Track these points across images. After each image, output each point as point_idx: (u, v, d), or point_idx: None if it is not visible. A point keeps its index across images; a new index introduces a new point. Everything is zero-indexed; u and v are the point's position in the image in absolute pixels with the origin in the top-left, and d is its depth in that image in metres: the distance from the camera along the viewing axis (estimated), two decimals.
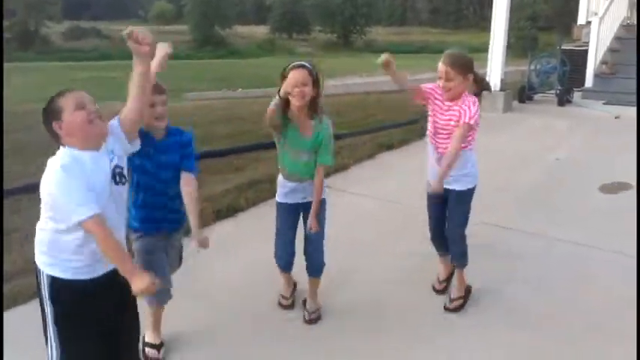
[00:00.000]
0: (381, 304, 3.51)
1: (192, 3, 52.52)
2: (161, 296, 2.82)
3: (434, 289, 3.61)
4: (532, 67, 11.06)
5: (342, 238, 4.41)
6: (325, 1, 53.29)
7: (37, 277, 2.23)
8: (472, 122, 3.05)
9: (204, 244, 2.75)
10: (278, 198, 3.24)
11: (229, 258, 4.05)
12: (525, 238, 4.52)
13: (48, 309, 2.20)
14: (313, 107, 2.97)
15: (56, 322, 2.19)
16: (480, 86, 3.27)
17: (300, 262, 3.31)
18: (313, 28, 57.43)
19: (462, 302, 3.42)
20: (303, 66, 2.91)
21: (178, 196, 2.80)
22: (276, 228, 3.27)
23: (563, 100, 10.52)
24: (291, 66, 2.91)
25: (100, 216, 2.04)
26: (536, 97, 11.04)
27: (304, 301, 3.39)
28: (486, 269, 3.89)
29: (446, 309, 3.39)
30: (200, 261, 3.84)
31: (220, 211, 4.83)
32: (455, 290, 3.46)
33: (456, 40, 50.47)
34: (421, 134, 8.00)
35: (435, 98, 3.17)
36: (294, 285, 3.48)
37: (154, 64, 2.55)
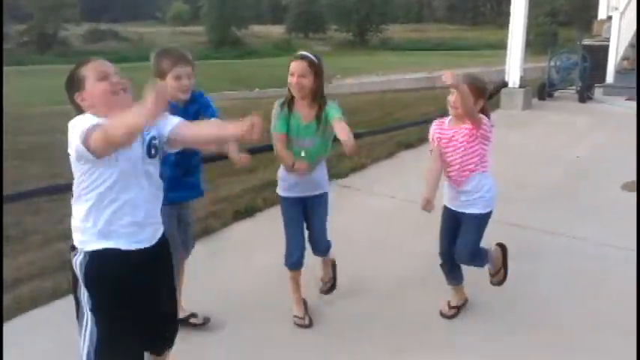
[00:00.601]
0: (396, 305, 3.47)
1: (208, 4, 52.85)
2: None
3: (442, 314, 3.35)
4: (552, 63, 10.92)
5: (359, 237, 4.39)
6: (341, 0, 53.23)
7: (72, 266, 2.09)
8: (485, 121, 2.98)
9: (244, 158, 2.73)
10: (280, 192, 3.18)
11: (247, 258, 4.04)
12: (545, 236, 4.44)
13: (84, 296, 2.07)
14: (315, 99, 2.95)
15: (93, 308, 2.06)
16: (486, 114, 3.11)
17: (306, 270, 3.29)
18: (329, 27, 57.45)
19: (455, 311, 3.35)
20: (302, 57, 2.91)
21: (197, 168, 2.86)
22: (284, 222, 3.21)
23: (584, 96, 10.37)
24: (292, 57, 2.94)
25: (98, 125, 1.85)
26: (557, 93, 10.90)
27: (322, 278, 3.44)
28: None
29: (442, 314, 3.33)
30: (218, 260, 3.85)
31: (238, 211, 4.83)
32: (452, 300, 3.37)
33: (474, 36, 50.16)
34: None
35: (441, 132, 3.13)
36: (305, 303, 3.32)
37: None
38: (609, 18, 12.39)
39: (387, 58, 37.39)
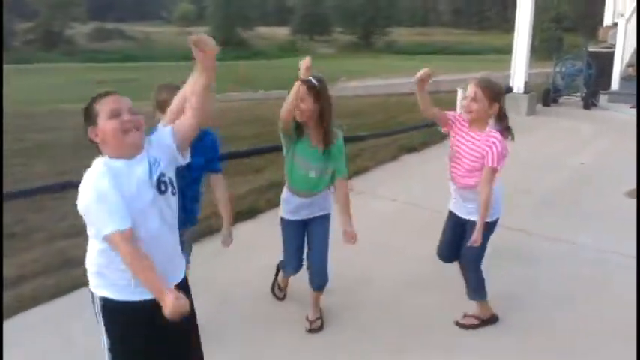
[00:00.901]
0: (400, 308, 3.47)
1: (214, 4, 52.95)
2: None
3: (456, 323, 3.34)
4: (557, 69, 10.91)
5: (362, 241, 4.36)
6: (346, 2, 53.29)
7: (92, 302, 2.10)
8: (498, 167, 2.91)
9: (226, 242, 2.98)
10: (283, 214, 3.16)
11: (248, 259, 4.04)
12: (547, 242, 4.44)
13: (103, 336, 2.07)
14: (320, 120, 2.90)
15: (110, 348, 2.08)
16: (503, 123, 3.02)
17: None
18: (334, 29, 57.46)
19: (476, 322, 3.25)
20: (302, 81, 2.80)
21: (196, 198, 2.86)
22: (283, 245, 3.22)
23: (589, 103, 10.35)
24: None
25: (126, 231, 1.88)
26: (561, 100, 10.88)
27: (307, 316, 3.32)
28: (507, 274, 3.84)
29: (456, 323, 3.26)
30: (220, 261, 3.86)
31: (241, 212, 4.84)
32: (474, 309, 3.28)
33: (479, 41, 50.10)
34: (443, 137, 7.94)
35: (461, 124, 3.04)
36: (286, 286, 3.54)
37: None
38: (615, 24, 12.37)
39: (392, 61, 37.37)
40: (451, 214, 3.23)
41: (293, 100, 2.79)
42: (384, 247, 4.32)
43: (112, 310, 2.05)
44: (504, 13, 53.70)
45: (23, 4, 48.07)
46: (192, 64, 2.38)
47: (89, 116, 2.00)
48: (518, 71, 9.88)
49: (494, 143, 2.90)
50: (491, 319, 3.28)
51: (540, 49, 25.40)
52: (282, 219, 3.18)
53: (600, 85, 10.98)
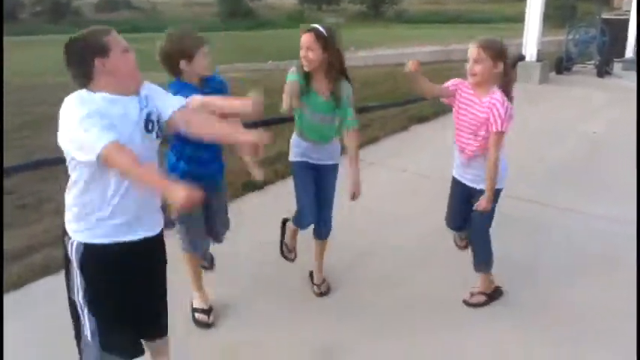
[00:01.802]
0: (408, 282, 3.47)
1: None
2: (191, 247, 2.95)
3: (457, 245, 3.53)
4: (570, 37, 10.70)
5: (370, 210, 4.37)
6: None
7: (65, 249, 2.14)
8: (505, 129, 2.81)
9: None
10: (292, 157, 3.15)
11: (257, 231, 4.04)
12: (558, 213, 4.41)
13: (77, 280, 2.11)
14: (329, 73, 2.89)
15: (85, 294, 2.11)
16: (507, 81, 2.90)
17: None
18: None
19: (484, 299, 3.22)
20: (310, 30, 2.84)
21: (218, 147, 2.87)
22: (295, 189, 3.17)
23: (603, 71, 10.17)
24: (301, 30, 2.88)
25: (116, 142, 1.84)
26: (575, 68, 10.70)
27: (310, 274, 3.37)
28: (518, 246, 3.82)
29: (464, 302, 3.22)
30: (228, 233, 3.86)
31: (249, 183, 4.82)
32: (478, 286, 3.24)
33: (491, 9, 49.20)
34: (445, 109, 7.85)
35: (462, 91, 2.95)
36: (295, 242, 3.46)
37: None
38: None
39: (402, 30, 36.86)
40: (456, 182, 3.15)
41: (287, 98, 2.83)
42: (394, 218, 4.31)
43: (90, 254, 2.06)
44: None
45: None
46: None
47: (97, 48, 1.95)
48: (531, 39, 9.70)
49: (494, 105, 2.81)
50: (496, 293, 3.24)
51: (553, 17, 24.90)
52: (292, 163, 3.16)
53: (614, 52, 10.77)
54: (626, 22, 11.15)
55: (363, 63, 18.56)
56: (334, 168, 3.17)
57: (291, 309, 3.18)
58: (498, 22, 38.49)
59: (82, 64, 1.97)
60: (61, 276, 3.32)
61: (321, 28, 2.85)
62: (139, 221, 2.10)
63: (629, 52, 10.98)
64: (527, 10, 9.77)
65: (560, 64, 10.50)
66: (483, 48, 2.81)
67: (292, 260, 3.46)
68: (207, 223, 2.99)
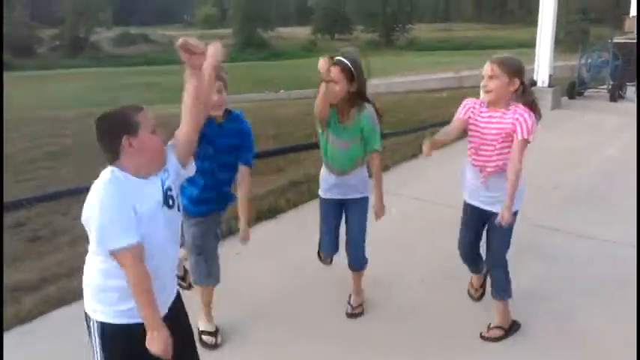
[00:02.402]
0: (421, 310, 3.43)
1: (235, 7, 53.29)
2: (212, 277, 2.98)
3: (470, 295, 3.42)
4: (582, 61, 10.70)
5: (381, 238, 4.35)
6: (367, 0, 53.13)
7: (86, 322, 2.05)
8: (530, 138, 2.72)
9: (245, 238, 2.98)
10: (321, 193, 3.23)
11: (270, 259, 4.04)
12: (574, 239, 4.35)
13: (98, 356, 2.03)
14: (351, 102, 2.94)
15: None
16: (527, 97, 2.83)
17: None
18: (355, 27, 57.33)
19: (501, 333, 3.08)
20: (336, 62, 2.89)
21: (232, 179, 2.91)
22: (320, 224, 3.26)
23: (616, 95, 10.13)
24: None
25: (139, 248, 1.88)
26: (587, 92, 10.67)
27: (350, 297, 3.37)
28: (532, 272, 3.76)
29: (482, 337, 3.08)
30: (241, 261, 3.86)
31: (262, 212, 4.84)
32: (496, 320, 3.11)
33: (501, 35, 49.47)
34: (465, 135, 7.85)
35: (476, 110, 2.86)
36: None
37: (207, 68, 2.25)
38: None
39: (414, 58, 37.16)
40: (469, 207, 3.06)
41: (321, 100, 2.84)
42: (404, 245, 4.28)
43: (111, 335, 1.99)
44: (528, 6, 52.93)
45: (49, 10, 48.99)
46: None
47: (127, 125, 1.94)
48: (543, 65, 9.71)
49: (521, 115, 2.73)
50: (514, 327, 3.13)
51: (565, 42, 24.97)
52: (319, 197, 3.26)
53: (627, 76, 10.72)
54: (638, 45, 11.12)
55: (375, 91, 18.68)
56: (361, 201, 3.19)
57: (300, 337, 3.15)
58: (509, 47, 38.64)
59: (111, 141, 1.96)
60: (73, 309, 3.36)
61: (345, 61, 2.90)
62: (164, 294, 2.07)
63: None
64: (538, 36, 9.80)
65: (572, 89, 10.48)
66: (498, 64, 2.75)
67: (329, 264, 3.50)
68: None
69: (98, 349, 2.02)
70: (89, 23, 49.65)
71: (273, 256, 4.11)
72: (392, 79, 22.60)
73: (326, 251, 3.33)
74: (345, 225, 3.27)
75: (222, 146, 2.80)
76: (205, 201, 2.89)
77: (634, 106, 9.69)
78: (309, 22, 58.98)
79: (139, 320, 1.93)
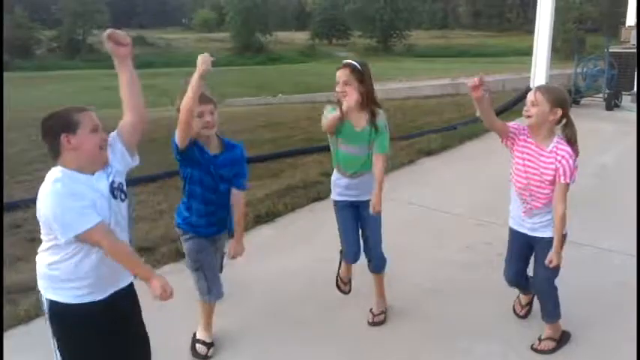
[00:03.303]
0: (419, 316, 3.45)
1: (233, 11, 53.35)
2: (213, 294, 2.96)
3: (515, 312, 3.34)
4: (578, 70, 10.76)
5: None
6: (364, 6, 53.31)
7: (42, 305, 2.22)
8: (571, 183, 2.79)
9: (237, 252, 2.98)
10: (334, 196, 3.25)
11: (268, 262, 4.06)
12: (571, 247, 4.36)
13: (51, 329, 2.19)
14: (364, 102, 2.98)
15: (59, 344, 2.19)
16: (567, 133, 2.84)
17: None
18: (353, 33, 57.49)
19: (553, 345, 3.04)
20: (345, 65, 2.97)
21: (228, 204, 2.92)
22: (339, 228, 3.26)
23: (611, 104, 10.19)
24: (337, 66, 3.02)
25: (103, 224, 2.03)
26: (583, 101, 10.73)
27: (371, 309, 3.37)
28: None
29: (533, 349, 3.04)
30: (240, 265, 3.87)
31: (259, 216, 4.86)
32: (547, 332, 3.07)
33: (498, 43, 49.68)
34: (461, 140, 7.90)
35: (521, 138, 2.87)
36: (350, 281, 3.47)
37: (196, 75, 2.48)
38: (638, 24, 12.16)
39: (411, 64, 37.26)
40: (514, 233, 3.05)
41: (329, 125, 2.97)
42: (400, 251, 4.29)
43: (60, 312, 2.14)
44: (525, 14, 53.24)
45: (47, 12, 48.95)
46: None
47: (67, 123, 2.06)
48: (539, 73, 9.77)
49: (564, 157, 2.78)
50: (565, 337, 3.09)
51: (562, 50, 25.11)
52: (334, 202, 3.25)
53: (623, 85, 10.80)
54: (634, 55, 11.19)
55: None
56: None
57: (297, 340, 3.16)
58: (507, 55, 38.86)
59: (49, 141, 2.10)
60: None
61: (355, 63, 2.98)
62: (101, 286, 2.18)
63: (638, 84, 10.99)
64: (535, 44, 9.87)
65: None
66: (542, 92, 2.79)
67: (347, 293, 3.48)
68: None
69: (49, 323, 2.18)
70: (87, 25, 49.64)
71: (271, 259, 4.12)
72: (389, 85, 22.65)
73: (350, 251, 3.27)
74: (361, 228, 3.27)
75: (219, 177, 2.81)
76: (204, 225, 2.90)
77: (629, 114, 9.76)
78: (307, 27, 59.13)
79: (87, 300, 2.13)
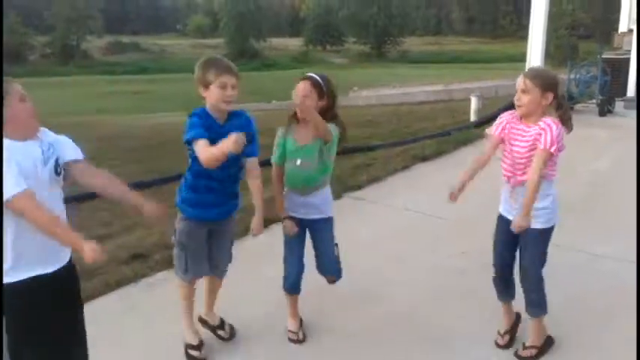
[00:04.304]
0: (415, 321, 3.43)
1: (227, 17, 53.48)
2: (190, 272, 2.91)
3: (497, 344, 3.11)
4: (572, 76, 10.82)
5: (373, 250, 4.36)
6: (358, 12, 53.53)
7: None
8: (553, 150, 2.66)
9: (258, 230, 2.94)
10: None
11: (261, 268, 4.03)
12: (563, 252, 4.37)
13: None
14: (325, 118, 2.87)
15: (8, 330, 2.16)
16: (560, 112, 2.75)
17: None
18: (347, 39, 57.71)
19: (535, 352, 2.98)
20: (305, 77, 2.88)
21: (237, 179, 2.86)
22: (284, 243, 3.16)
23: (604, 110, 10.25)
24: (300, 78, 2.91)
25: (30, 192, 2.01)
26: (576, 107, 10.78)
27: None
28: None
29: (517, 355, 2.99)
30: (232, 271, 3.85)
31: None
32: (531, 338, 3.02)
33: (492, 49, 49.96)
34: (456, 146, 7.92)
35: (511, 126, 2.81)
36: (300, 319, 3.28)
37: (223, 149, 2.45)
38: (630, 31, 12.27)
39: (405, 70, 37.41)
40: (501, 219, 2.97)
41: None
42: (395, 257, 4.29)
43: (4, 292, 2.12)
44: (518, 20, 53.58)
45: (41, 18, 48.86)
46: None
47: None
48: None
49: (549, 125, 2.66)
50: (548, 344, 3.03)
51: (555, 56, 25.29)
52: (282, 219, 3.12)
53: (616, 91, 10.87)
54: (627, 61, 11.29)
55: (367, 102, 18.78)
56: (325, 222, 3.11)
57: (294, 349, 3.14)
58: (500, 61, 39.11)
59: None
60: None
61: (316, 76, 2.88)
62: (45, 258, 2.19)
63: (631, 90, 11.07)
64: (528, 50, 9.93)
65: None
66: (530, 77, 2.68)
67: (300, 342, 3.17)
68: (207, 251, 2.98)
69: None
70: (80, 31, 49.60)
71: (265, 265, 4.09)
72: (383, 90, 22.73)
73: (292, 276, 3.16)
74: (313, 248, 3.18)
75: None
76: (207, 205, 2.82)
77: (622, 120, 9.82)
78: (301, 34, 59.28)
79: (24, 276, 2.12)
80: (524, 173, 2.77)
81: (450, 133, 8.25)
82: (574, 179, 6.36)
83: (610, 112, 10.36)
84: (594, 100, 10.53)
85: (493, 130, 2.89)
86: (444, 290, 3.74)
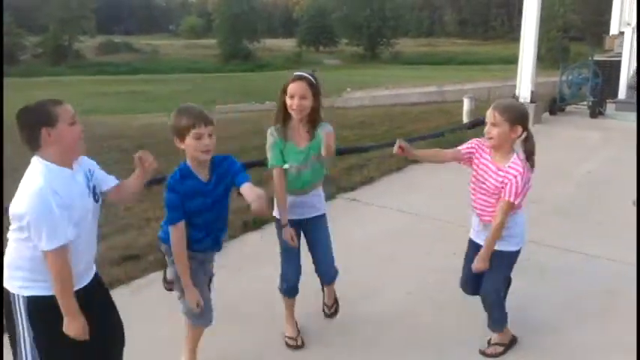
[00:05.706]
0: (407, 323, 3.44)
1: (221, 17, 53.38)
2: (204, 318, 2.78)
3: (480, 351, 3.13)
4: (563, 78, 10.87)
5: (366, 251, 4.37)
6: (352, 13, 53.61)
7: (11, 302, 2.16)
8: (517, 202, 2.75)
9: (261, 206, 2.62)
10: (276, 213, 3.05)
11: (256, 270, 4.03)
12: (556, 253, 4.40)
13: (25, 332, 2.15)
14: (312, 118, 2.87)
15: (38, 344, 2.15)
16: (531, 145, 2.85)
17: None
18: (340, 40, 57.76)
19: (501, 350, 3.08)
20: (301, 77, 2.83)
21: (226, 218, 2.81)
22: (280, 247, 3.12)
23: (596, 112, 10.31)
24: (290, 78, 2.84)
25: (65, 247, 2.06)
26: (568, 108, 10.84)
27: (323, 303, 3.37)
28: (513, 286, 3.79)
29: (481, 352, 3.09)
30: (226, 272, 3.84)
31: (247, 222, 4.83)
32: (495, 336, 3.12)
33: (485, 51, 50.16)
34: (448, 147, 7.92)
35: (480, 154, 2.89)
36: (297, 324, 3.26)
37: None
38: (621, 33, 12.35)
39: (398, 72, 37.49)
40: (472, 243, 3.07)
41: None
42: (389, 258, 4.30)
43: (40, 308, 2.15)
44: (510, 22, 53.85)
45: (32, 18, 48.59)
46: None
47: (45, 117, 2.08)
48: (524, 80, 9.85)
49: (515, 177, 2.74)
50: (512, 342, 3.14)
51: (547, 58, 25.43)
52: (276, 220, 3.06)
53: (607, 93, 10.93)
54: (618, 63, 11.35)
55: (360, 103, 18.81)
56: (321, 219, 3.11)
57: (287, 349, 3.14)
58: (492, 63, 39.28)
59: (29, 134, 2.11)
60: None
61: (309, 76, 2.85)
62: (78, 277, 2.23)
63: (622, 93, 11.14)
64: (520, 52, 9.95)
65: (553, 105, 10.64)
66: (500, 112, 2.74)
67: (300, 346, 3.16)
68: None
69: (25, 324, 2.15)
70: (73, 31, 49.36)
71: (259, 267, 4.10)
72: (376, 92, 22.76)
73: (291, 279, 3.15)
74: (309, 248, 3.17)
75: (217, 197, 2.66)
76: (199, 239, 2.72)
77: (613, 122, 9.89)
78: (295, 35, 59.28)
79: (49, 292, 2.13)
80: (492, 212, 2.85)
81: (443, 134, 8.27)
82: (566, 181, 6.40)
83: (601, 113, 10.43)
84: (586, 102, 10.60)
85: (463, 146, 2.98)
86: (438, 291, 3.75)
